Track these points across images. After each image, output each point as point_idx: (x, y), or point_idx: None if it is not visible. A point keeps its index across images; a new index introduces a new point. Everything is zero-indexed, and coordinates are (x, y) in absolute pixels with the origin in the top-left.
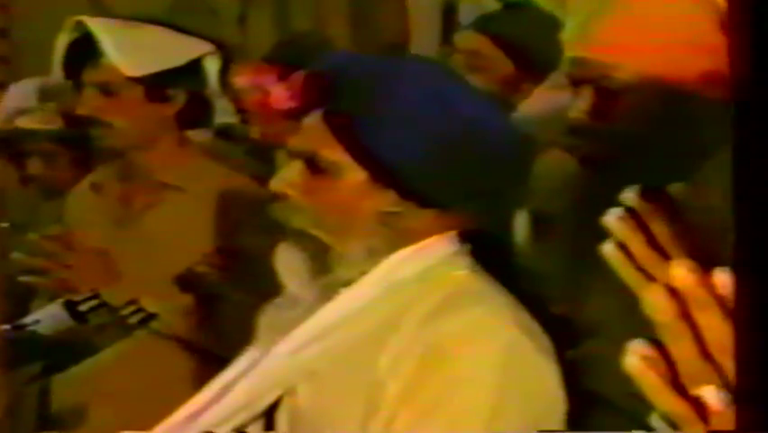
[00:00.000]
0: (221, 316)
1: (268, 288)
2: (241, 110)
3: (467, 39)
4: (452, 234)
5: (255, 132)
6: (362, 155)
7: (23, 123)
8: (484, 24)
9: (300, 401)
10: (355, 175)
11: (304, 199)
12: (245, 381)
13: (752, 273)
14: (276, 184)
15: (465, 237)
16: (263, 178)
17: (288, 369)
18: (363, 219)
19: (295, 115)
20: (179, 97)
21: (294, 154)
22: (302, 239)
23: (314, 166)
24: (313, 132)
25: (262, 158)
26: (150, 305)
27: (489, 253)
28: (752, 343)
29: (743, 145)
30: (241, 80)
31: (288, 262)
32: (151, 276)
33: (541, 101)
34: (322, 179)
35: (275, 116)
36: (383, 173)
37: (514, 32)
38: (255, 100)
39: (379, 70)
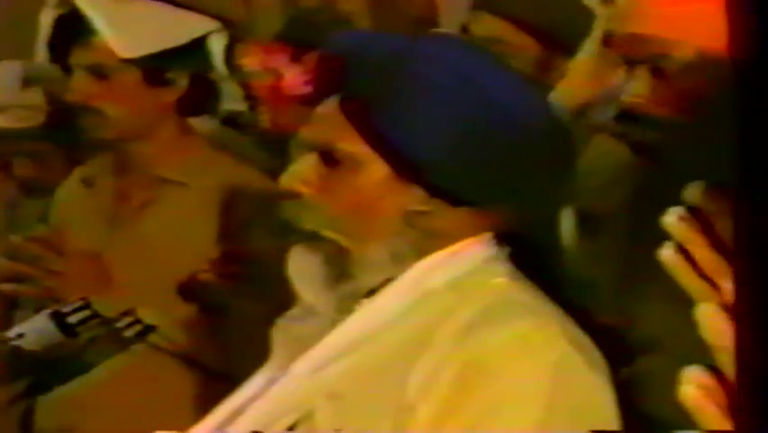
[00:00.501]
0: (228, 329)
1: (281, 297)
2: (249, 96)
3: (486, 26)
4: (488, 235)
5: (265, 120)
6: (384, 147)
7: (1, 122)
8: (499, 5)
9: (318, 427)
10: (376, 170)
11: (318, 197)
12: (258, 404)
13: (753, 273)
14: (286, 180)
15: (503, 239)
16: (276, 172)
17: (307, 391)
18: (386, 219)
19: (310, 102)
20: (181, 81)
21: (307, 146)
22: (317, 242)
23: (329, 159)
24: (328, 121)
25: (274, 149)
26: (148, 316)
27: (529, 258)
28: (752, 343)
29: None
30: (249, 62)
31: (302, 269)
32: (150, 283)
33: (583, 80)
34: (339, 174)
35: (287, 103)
36: (407, 167)
37: (534, 11)
38: (265, 84)
39: (401, 51)
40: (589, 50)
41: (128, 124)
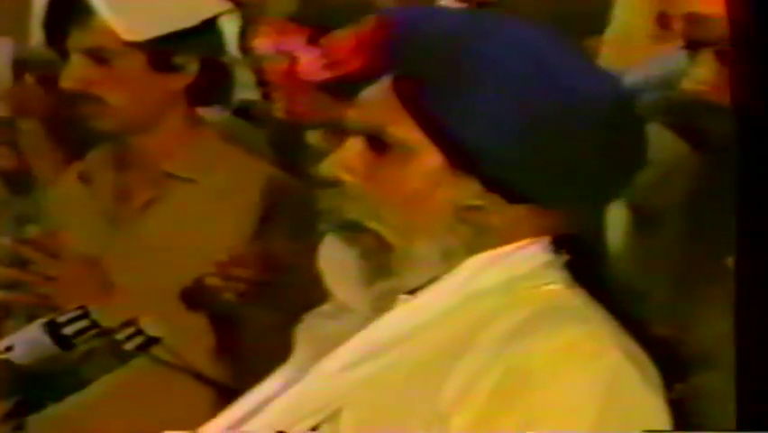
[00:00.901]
0: (240, 341)
1: (300, 305)
2: (261, 82)
3: None
4: (546, 239)
5: (279, 109)
6: (438, 133)
7: None
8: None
9: (343, 429)
10: (429, 158)
11: (364, 186)
12: (277, 404)
13: (753, 272)
14: (329, 167)
15: (560, 244)
16: (291, 166)
17: (333, 391)
18: (437, 213)
19: (335, 87)
20: (190, 67)
21: (353, 131)
22: (354, 233)
23: (378, 145)
24: (379, 103)
25: (288, 141)
26: (151, 327)
27: (583, 264)
28: (752, 343)
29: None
30: (261, 44)
31: (336, 262)
32: (153, 291)
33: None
34: (387, 161)
35: (303, 89)
36: (463, 157)
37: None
38: (279, 69)
39: (459, 27)
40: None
41: (131, 113)
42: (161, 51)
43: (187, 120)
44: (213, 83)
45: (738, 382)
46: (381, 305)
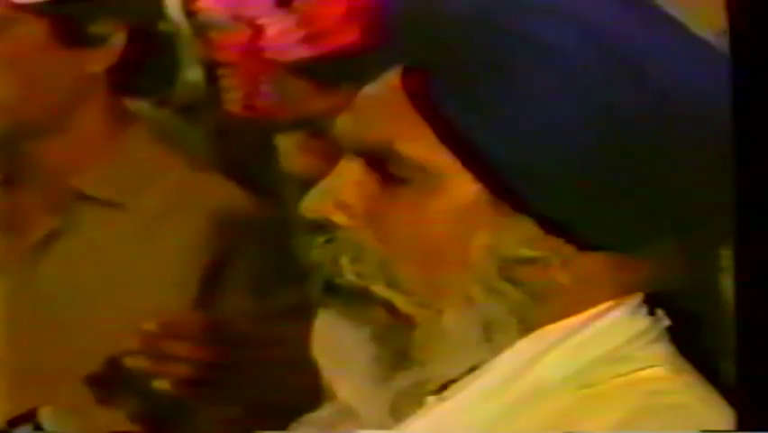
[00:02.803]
0: None
1: (271, 398)
2: (210, 62)
3: None
4: (635, 299)
5: (234, 100)
6: (471, 151)
7: None
8: None
9: None
10: (460, 187)
11: (365, 231)
12: None
13: (753, 272)
14: (313, 203)
15: (653, 303)
16: (254, 184)
17: None
18: (474, 270)
19: (316, 70)
20: (114, 39)
21: (348, 148)
22: (360, 305)
23: (384, 171)
24: (382, 107)
25: (249, 149)
26: (53, 422)
27: (687, 331)
28: (752, 342)
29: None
30: (209, 7)
31: (336, 348)
32: (56, 368)
33: None
34: (399, 193)
35: (270, 71)
36: (504, 184)
37: None
38: (235, 42)
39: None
40: None
41: (28, 108)
42: (71, 18)
43: (110, 116)
44: (146, 63)
45: (738, 382)
46: (402, 408)
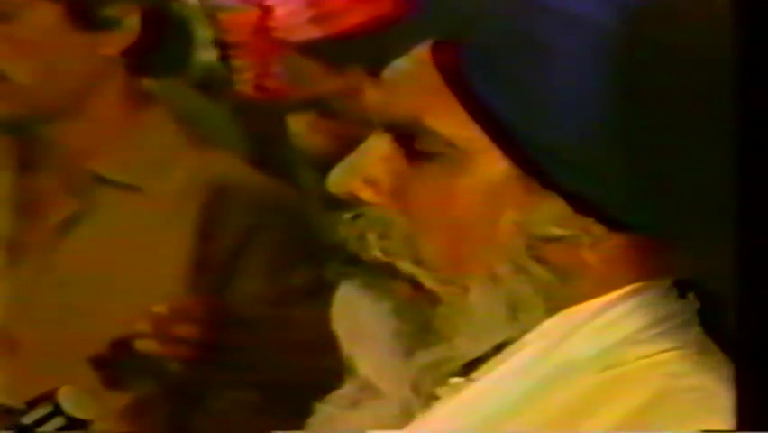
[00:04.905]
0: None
1: (280, 378)
2: (221, 43)
3: None
4: (666, 280)
5: (245, 81)
6: (494, 125)
7: None
8: None
9: None
10: (488, 164)
11: (393, 207)
12: None
13: (753, 272)
14: (340, 179)
15: (685, 288)
16: (270, 164)
17: None
18: (502, 248)
19: (323, 50)
20: (128, 22)
21: (376, 123)
22: (386, 280)
23: (412, 147)
24: (412, 82)
25: (263, 129)
26: (73, 404)
27: (717, 316)
28: (752, 342)
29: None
30: None
31: (358, 323)
32: (76, 351)
33: None
34: (427, 170)
35: (280, 54)
36: (533, 160)
37: None
38: (245, 22)
39: None
40: None
41: (43, 92)
42: (84, 2)
43: (127, 99)
44: (160, 44)
45: (738, 382)
46: (425, 385)
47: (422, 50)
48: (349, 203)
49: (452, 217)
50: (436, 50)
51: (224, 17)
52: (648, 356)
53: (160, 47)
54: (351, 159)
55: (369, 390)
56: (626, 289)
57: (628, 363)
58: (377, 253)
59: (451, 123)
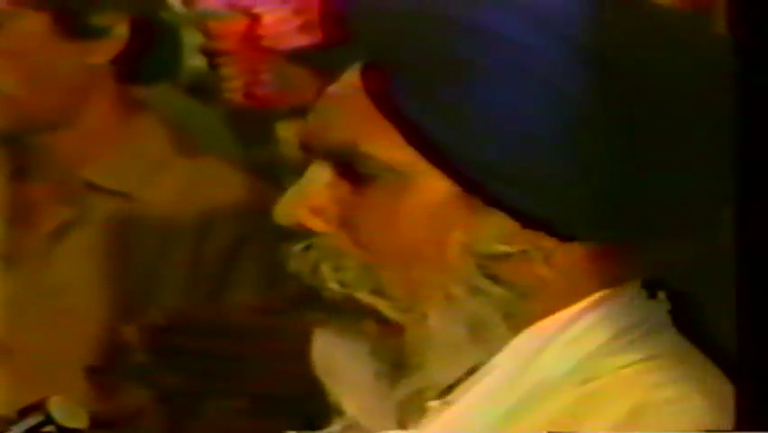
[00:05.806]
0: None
1: (269, 382)
2: (209, 52)
3: None
4: (632, 285)
5: (233, 88)
6: (427, 147)
7: None
8: None
9: None
10: (430, 185)
11: (343, 235)
12: None
13: (753, 271)
14: (286, 210)
15: (651, 286)
16: (260, 171)
17: None
18: (454, 269)
19: (311, 58)
20: (117, 30)
21: (315, 151)
22: (352, 320)
23: (352, 172)
24: (344, 106)
25: (252, 133)
26: (65, 414)
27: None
28: (752, 342)
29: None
30: None
31: (338, 366)
32: (67, 359)
33: None
34: (369, 195)
35: (268, 60)
36: (470, 179)
37: None
38: (234, 30)
39: None
40: None
41: (34, 102)
42: (72, 11)
43: (118, 107)
44: (149, 51)
45: (738, 381)
46: (407, 417)
47: (352, 75)
48: (298, 234)
49: (401, 242)
50: (365, 74)
51: (212, 25)
52: (625, 366)
53: (150, 55)
54: (295, 188)
55: (356, 428)
56: (593, 298)
57: (605, 375)
58: (333, 285)
59: (387, 146)
